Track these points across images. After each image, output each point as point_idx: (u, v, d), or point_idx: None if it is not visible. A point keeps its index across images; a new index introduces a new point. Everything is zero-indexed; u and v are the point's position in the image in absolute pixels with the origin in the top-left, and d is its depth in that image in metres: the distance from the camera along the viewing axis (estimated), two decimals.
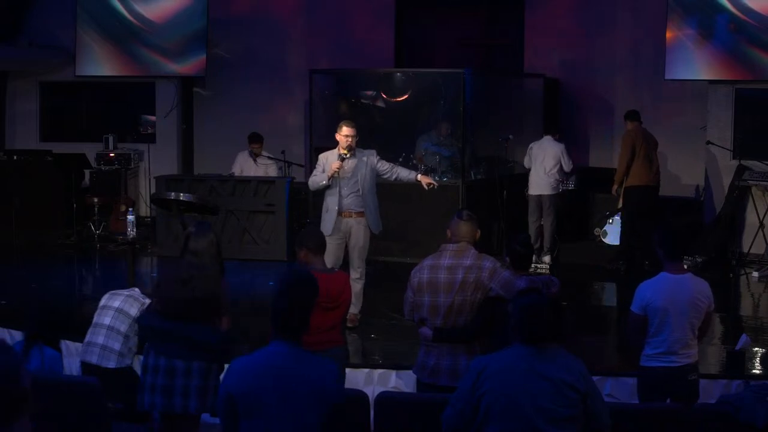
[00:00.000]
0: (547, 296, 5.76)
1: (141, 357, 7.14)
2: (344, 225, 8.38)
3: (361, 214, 8.43)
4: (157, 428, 5.98)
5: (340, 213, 8.37)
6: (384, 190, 11.77)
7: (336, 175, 8.34)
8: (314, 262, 5.75)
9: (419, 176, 8.64)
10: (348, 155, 8.38)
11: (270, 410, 3.76)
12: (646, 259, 10.79)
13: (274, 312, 3.91)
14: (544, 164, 11.43)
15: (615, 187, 11.19)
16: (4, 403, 2.57)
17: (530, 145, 11.66)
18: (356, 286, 8.30)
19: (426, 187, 8.59)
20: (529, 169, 11.66)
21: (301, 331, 3.90)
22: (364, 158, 8.50)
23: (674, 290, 5.64)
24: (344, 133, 8.39)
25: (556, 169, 11.44)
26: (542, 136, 11.72)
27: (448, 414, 4.26)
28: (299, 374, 3.79)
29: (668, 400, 5.61)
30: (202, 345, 5.60)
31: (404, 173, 8.70)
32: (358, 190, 8.41)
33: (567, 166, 11.53)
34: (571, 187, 12.08)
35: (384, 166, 8.59)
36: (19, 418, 2.60)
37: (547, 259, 11.51)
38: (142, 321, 5.93)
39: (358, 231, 8.39)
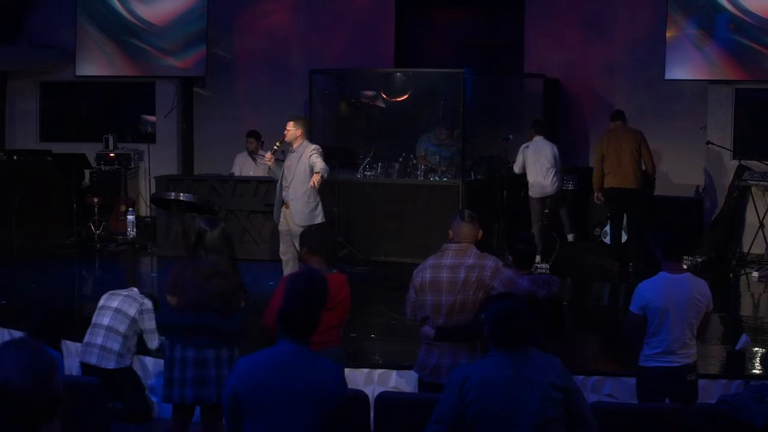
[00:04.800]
0: (550, 295, 5.78)
1: (141, 356, 7.19)
2: (285, 214, 8.95)
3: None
4: (175, 422, 6.03)
5: (283, 203, 8.97)
6: (384, 189, 11.87)
7: (270, 164, 9.11)
8: (312, 262, 5.75)
9: (314, 173, 8.78)
10: (277, 147, 9.04)
11: (272, 409, 3.78)
12: (633, 261, 10.86)
13: (285, 312, 3.93)
14: (540, 165, 11.38)
15: (595, 194, 11.28)
16: (33, 406, 2.55)
17: (523, 148, 11.48)
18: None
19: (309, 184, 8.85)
20: (520, 172, 11.56)
21: (309, 332, 3.93)
22: (301, 152, 8.88)
23: (673, 290, 5.64)
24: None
25: (554, 170, 11.42)
26: (530, 137, 11.64)
27: (435, 430, 4.16)
28: (302, 374, 3.81)
29: (667, 401, 5.61)
30: (230, 333, 5.73)
31: (316, 167, 8.84)
32: (289, 183, 8.89)
33: (558, 165, 11.48)
34: (570, 187, 12.10)
35: (312, 161, 8.86)
36: (50, 421, 2.59)
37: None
38: (163, 320, 6.04)
39: (290, 221, 8.86)
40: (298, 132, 8.92)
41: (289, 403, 3.77)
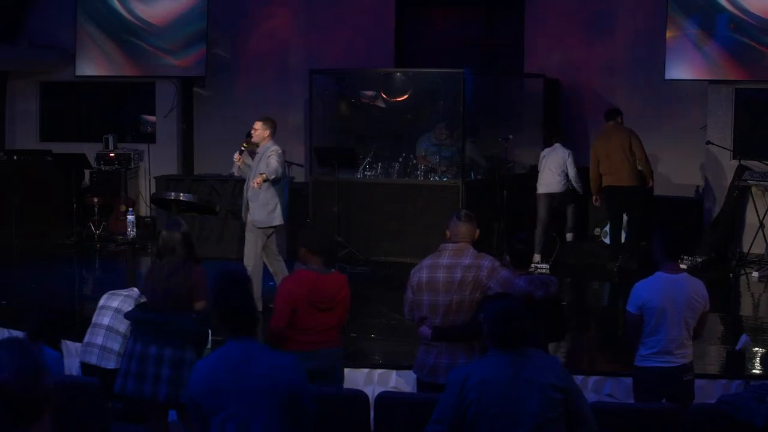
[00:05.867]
0: (548, 296, 5.78)
1: None
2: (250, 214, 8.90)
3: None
4: (152, 417, 6.07)
5: (248, 203, 8.90)
6: (384, 189, 11.86)
7: (241, 166, 9.02)
8: (312, 262, 5.75)
9: (260, 173, 8.72)
10: (245, 148, 8.98)
11: (230, 408, 3.82)
12: (637, 261, 10.83)
13: (221, 313, 3.96)
14: (550, 166, 11.49)
15: (594, 197, 11.38)
16: (22, 403, 2.56)
17: (542, 152, 11.73)
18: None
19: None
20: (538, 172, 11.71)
21: (252, 326, 3.98)
22: (262, 154, 8.83)
23: (670, 290, 5.64)
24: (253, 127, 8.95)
25: (558, 171, 11.46)
26: (550, 142, 11.76)
27: (435, 430, 4.17)
28: (254, 369, 3.85)
29: (663, 401, 5.61)
30: (180, 332, 5.79)
31: (267, 168, 8.80)
32: (250, 184, 8.84)
33: (571, 173, 11.50)
34: (571, 187, 12.09)
35: (267, 162, 8.77)
36: (40, 418, 2.60)
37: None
38: (128, 315, 6.13)
39: (251, 222, 8.86)
40: (266, 133, 8.85)
41: (245, 398, 3.81)
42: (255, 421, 3.81)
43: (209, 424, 3.87)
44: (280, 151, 8.84)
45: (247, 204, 8.92)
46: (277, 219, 8.86)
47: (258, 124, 8.90)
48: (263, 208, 8.78)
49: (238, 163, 9.09)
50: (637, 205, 11.18)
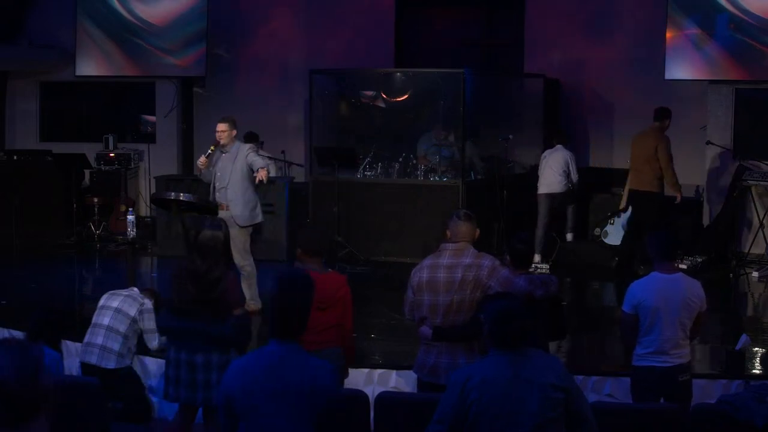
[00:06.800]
0: (548, 295, 5.78)
1: (141, 356, 7.21)
2: (223, 216, 8.53)
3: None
4: (178, 420, 6.07)
5: (218, 205, 8.69)
6: (384, 189, 11.87)
7: (204, 167, 8.77)
8: (309, 262, 5.75)
9: (259, 169, 8.58)
10: (212, 150, 8.75)
11: (265, 409, 3.79)
12: (642, 264, 10.75)
13: (273, 312, 3.93)
14: (551, 166, 11.47)
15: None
16: (21, 402, 2.57)
17: (543, 153, 11.72)
18: (243, 281, 8.47)
19: (256, 181, 8.65)
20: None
21: (299, 331, 3.93)
22: (236, 153, 8.71)
23: (666, 290, 5.64)
24: (216, 129, 8.77)
25: (560, 171, 11.44)
26: (551, 143, 11.75)
27: (436, 430, 4.17)
28: (293, 373, 3.82)
29: (662, 400, 5.62)
30: (217, 338, 5.73)
31: (256, 164, 8.68)
32: (226, 184, 8.68)
33: (573, 175, 11.48)
34: (572, 187, 12.09)
35: (250, 160, 8.67)
36: (37, 417, 2.60)
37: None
38: (160, 323, 6.09)
39: (231, 224, 8.50)
40: (234, 132, 8.78)
41: (279, 402, 3.78)
42: (287, 423, 3.79)
43: (239, 426, 3.84)
44: (255, 147, 8.90)
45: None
46: (259, 216, 8.87)
47: (224, 126, 8.75)
48: (246, 207, 8.74)
49: (202, 167, 8.84)
50: (654, 212, 10.78)
